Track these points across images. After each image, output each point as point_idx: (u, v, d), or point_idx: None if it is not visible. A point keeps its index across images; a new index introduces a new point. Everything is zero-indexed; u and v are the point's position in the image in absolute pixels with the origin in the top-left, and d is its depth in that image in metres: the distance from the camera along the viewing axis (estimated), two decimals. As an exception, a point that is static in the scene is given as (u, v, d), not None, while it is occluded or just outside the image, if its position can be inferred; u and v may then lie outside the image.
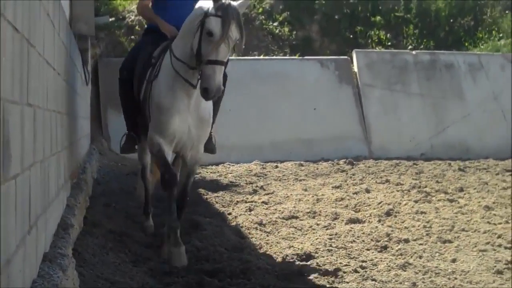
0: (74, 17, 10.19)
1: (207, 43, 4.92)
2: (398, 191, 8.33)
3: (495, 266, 5.30)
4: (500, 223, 6.78)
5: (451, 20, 14.63)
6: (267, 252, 5.63)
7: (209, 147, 5.86)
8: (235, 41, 4.98)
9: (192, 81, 5.19)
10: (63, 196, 4.85)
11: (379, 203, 7.49)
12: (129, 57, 6.07)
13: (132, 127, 5.99)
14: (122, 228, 6.01)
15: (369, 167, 10.38)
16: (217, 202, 7.71)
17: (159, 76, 5.38)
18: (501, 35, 14.19)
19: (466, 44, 14.23)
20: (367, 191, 8.34)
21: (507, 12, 14.62)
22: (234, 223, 6.66)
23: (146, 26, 6.45)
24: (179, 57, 5.24)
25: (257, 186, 8.64)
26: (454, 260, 5.50)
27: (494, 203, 7.71)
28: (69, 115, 5.49)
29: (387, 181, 9.05)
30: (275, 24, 14.06)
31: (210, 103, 5.40)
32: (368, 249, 5.76)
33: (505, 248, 5.91)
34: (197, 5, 5.26)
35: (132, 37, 12.77)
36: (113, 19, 13.01)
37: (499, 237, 6.23)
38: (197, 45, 4.97)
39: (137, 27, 12.93)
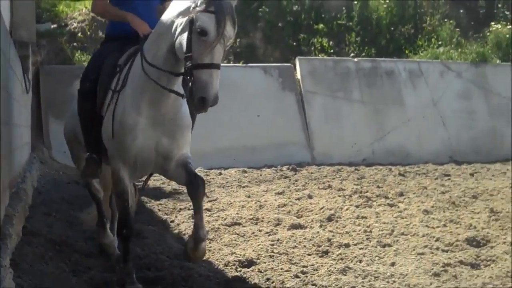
0: (15, 23, 10.04)
1: (198, 44, 4.21)
2: (340, 196, 8.45)
3: (432, 269, 5.42)
4: (438, 227, 6.94)
5: (392, 28, 14.90)
6: (209, 259, 5.64)
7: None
8: (230, 40, 4.34)
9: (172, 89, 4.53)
10: (1, 206, 4.78)
11: (321, 208, 7.58)
12: (92, 66, 5.20)
13: (93, 148, 5.05)
14: (63, 237, 5.95)
15: (311, 173, 10.48)
16: (159, 210, 7.69)
17: (126, 88, 4.69)
18: (440, 42, 14.51)
19: (407, 51, 14.51)
20: (310, 196, 8.43)
21: (445, 20, 14.97)
22: (176, 231, 6.66)
23: (105, 33, 5.57)
24: (153, 62, 4.54)
25: (200, 193, 8.62)
26: (393, 264, 5.61)
27: (432, 207, 7.89)
28: (7, 123, 5.41)
29: (329, 186, 9.17)
30: (219, 31, 14.07)
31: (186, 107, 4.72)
32: (309, 254, 5.84)
33: (443, 251, 6.06)
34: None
35: (75, 44, 12.65)
36: (55, 26, 12.86)
37: (437, 240, 6.37)
38: (186, 47, 4.26)
39: (80, 34, 12.83)
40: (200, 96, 4.16)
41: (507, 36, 14.17)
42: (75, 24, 12.98)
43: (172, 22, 4.45)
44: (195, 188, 4.61)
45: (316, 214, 7.38)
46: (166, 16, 4.55)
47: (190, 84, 4.20)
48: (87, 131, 5.07)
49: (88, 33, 12.86)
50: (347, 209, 7.61)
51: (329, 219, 7.16)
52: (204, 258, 5.68)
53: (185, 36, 4.29)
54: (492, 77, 13.38)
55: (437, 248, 6.11)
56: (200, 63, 4.19)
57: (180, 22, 4.37)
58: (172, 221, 7.10)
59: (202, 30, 4.21)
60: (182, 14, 4.37)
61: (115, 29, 5.31)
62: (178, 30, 4.38)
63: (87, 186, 5.81)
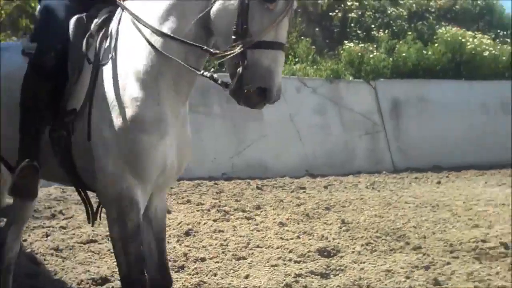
0: None
1: (260, 13, 3.12)
2: (198, 211, 8.52)
3: (284, 280, 5.61)
4: (292, 239, 7.16)
5: (251, 44, 15.22)
6: (62, 278, 5.54)
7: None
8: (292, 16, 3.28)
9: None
10: None
11: (179, 223, 7.62)
12: (52, 31, 3.67)
13: (34, 152, 3.61)
14: None
15: (171, 188, 10.49)
16: (12, 229, 7.43)
17: (124, 69, 3.41)
18: (296, 59, 14.96)
19: (265, 67, 14.87)
20: (168, 212, 8.43)
21: (302, 38, 15.46)
22: (29, 250, 6.47)
23: None
24: (180, 37, 3.34)
25: (55, 211, 8.42)
26: (247, 276, 5.74)
27: (288, 219, 8.12)
28: None
29: (188, 201, 9.22)
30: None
31: None
32: (164, 270, 5.86)
33: (295, 262, 6.27)
34: None
35: None
36: None
37: (290, 251, 6.59)
38: (239, 16, 3.14)
39: None
40: (259, 86, 3.14)
41: (359, 54, 14.85)
42: None
43: None
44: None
45: (174, 229, 7.41)
46: None
47: (240, 69, 3.13)
48: (32, 125, 3.60)
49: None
50: (204, 224, 7.70)
51: (187, 233, 7.21)
52: (57, 277, 5.60)
53: (233, 1, 3.18)
54: (345, 93, 13.97)
55: (290, 260, 6.31)
56: (261, 40, 3.11)
57: None
58: (25, 240, 6.87)
59: None
60: None
61: None
62: None
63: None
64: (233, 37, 3.15)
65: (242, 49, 3.10)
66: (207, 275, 5.72)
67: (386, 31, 16.04)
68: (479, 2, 18.68)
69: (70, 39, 3.59)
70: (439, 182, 11.95)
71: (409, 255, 6.52)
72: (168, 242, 6.82)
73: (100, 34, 3.57)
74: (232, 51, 3.14)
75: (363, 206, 9.23)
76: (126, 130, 3.31)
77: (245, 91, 3.13)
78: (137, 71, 3.39)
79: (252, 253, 6.51)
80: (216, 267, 5.94)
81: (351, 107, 13.78)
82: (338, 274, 5.91)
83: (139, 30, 3.44)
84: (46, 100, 3.56)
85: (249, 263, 6.13)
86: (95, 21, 3.64)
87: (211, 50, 3.29)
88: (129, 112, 3.32)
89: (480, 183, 11.91)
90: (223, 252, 6.50)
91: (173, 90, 3.42)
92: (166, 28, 3.39)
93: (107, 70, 3.44)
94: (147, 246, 3.68)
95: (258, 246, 6.78)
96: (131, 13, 3.51)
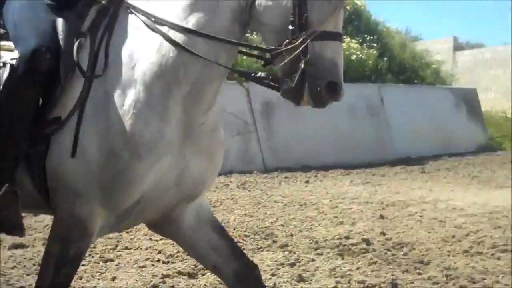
0: None
1: (319, 2, 2.82)
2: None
3: (151, 281, 5.61)
4: (161, 239, 7.14)
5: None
6: None
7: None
8: None
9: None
10: None
11: (45, 226, 7.45)
12: (41, 27, 3.05)
13: (12, 175, 3.02)
14: None
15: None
16: None
17: (116, 75, 2.94)
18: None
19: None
20: (35, 214, 8.21)
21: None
22: None
23: None
24: (210, 32, 2.95)
25: None
26: (113, 278, 5.70)
27: (158, 220, 8.10)
28: None
29: (56, 203, 9.00)
30: None
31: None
32: (28, 274, 5.72)
33: (163, 262, 6.28)
34: None
35: None
36: None
37: (159, 252, 6.59)
38: (298, 6, 2.80)
39: None
40: (329, 81, 2.79)
41: (232, 55, 15.05)
42: None
43: None
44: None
45: (40, 232, 7.25)
46: None
47: (302, 64, 2.80)
48: (15, 143, 2.95)
49: None
50: (72, 226, 7.55)
51: (53, 237, 7.05)
52: None
53: None
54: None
55: (158, 260, 6.32)
56: (324, 31, 2.81)
57: None
58: None
59: None
60: None
61: None
62: None
63: None
64: (291, 27, 2.84)
65: (306, 41, 2.77)
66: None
67: (259, 34, 16.31)
68: (347, 7, 19.32)
69: (61, 38, 3.05)
70: (307, 182, 12.30)
71: (276, 253, 6.68)
72: (33, 245, 6.70)
73: (94, 33, 3.06)
74: (294, 45, 2.80)
75: (234, 205, 9.36)
76: (116, 155, 2.84)
77: (318, 89, 2.78)
78: (145, 77, 2.94)
79: (120, 255, 6.47)
80: (82, 270, 5.84)
81: (223, 107, 13.90)
82: (205, 274, 5.96)
83: (156, 29, 2.98)
84: (34, 110, 2.97)
85: (116, 265, 6.09)
86: (86, 18, 3.13)
87: (265, 47, 2.99)
88: (125, 131, 2.84)
89: (346, 182, 12.37)
90: (90, 255, 6.40)
91: (187, 101, 3.00)
92: (190, 25, 2.96)
93: (104, 76, 2.95)
94: (207, 244, 3.41)
95: (126, 248, 6.74)
96: (144, 12, 3.04)
